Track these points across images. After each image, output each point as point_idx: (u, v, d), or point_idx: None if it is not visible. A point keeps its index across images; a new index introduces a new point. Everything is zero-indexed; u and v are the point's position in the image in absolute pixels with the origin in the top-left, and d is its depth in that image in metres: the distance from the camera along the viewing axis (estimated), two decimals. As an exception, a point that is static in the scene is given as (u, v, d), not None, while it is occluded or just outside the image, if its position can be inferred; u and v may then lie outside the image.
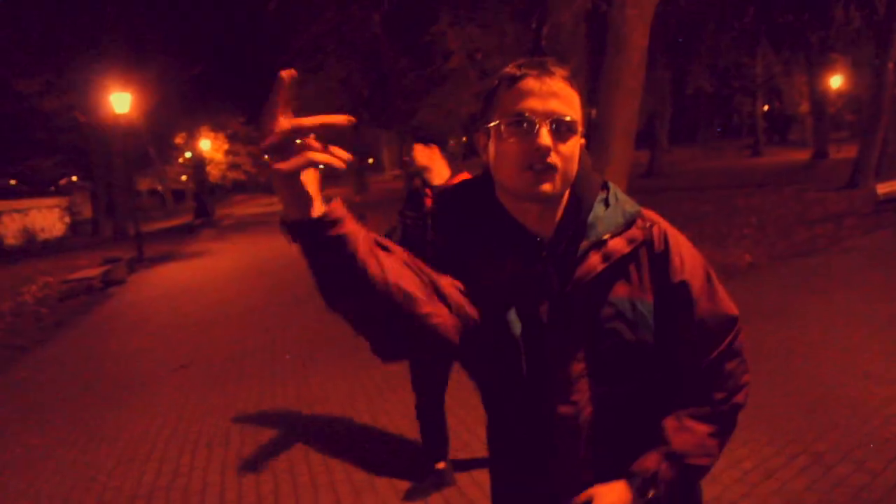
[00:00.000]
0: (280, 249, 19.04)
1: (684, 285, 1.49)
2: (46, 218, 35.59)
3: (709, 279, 1.53)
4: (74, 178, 42.29)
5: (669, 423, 1.49)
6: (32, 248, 30.85)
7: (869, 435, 4.24)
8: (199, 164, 42.61)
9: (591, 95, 8.82)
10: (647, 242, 1.50)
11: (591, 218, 1.47)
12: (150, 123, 33.18)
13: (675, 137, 62.55)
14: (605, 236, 1.44)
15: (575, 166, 1.42)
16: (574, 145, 1.39)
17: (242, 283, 13.83)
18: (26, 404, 7.10)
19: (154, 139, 39.77)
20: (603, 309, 1.44)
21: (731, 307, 1.54)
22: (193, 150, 42.90)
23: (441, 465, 4.22)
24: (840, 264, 9.69)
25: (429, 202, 3.80)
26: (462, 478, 4.23)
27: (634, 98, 8.14)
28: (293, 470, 4.73)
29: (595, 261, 1.43)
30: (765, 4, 24.04)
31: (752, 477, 3.88)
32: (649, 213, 1.55)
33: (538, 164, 1.35)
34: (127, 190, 29.25)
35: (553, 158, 1.36)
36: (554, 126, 1.36)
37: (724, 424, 1.54)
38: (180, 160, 52.69)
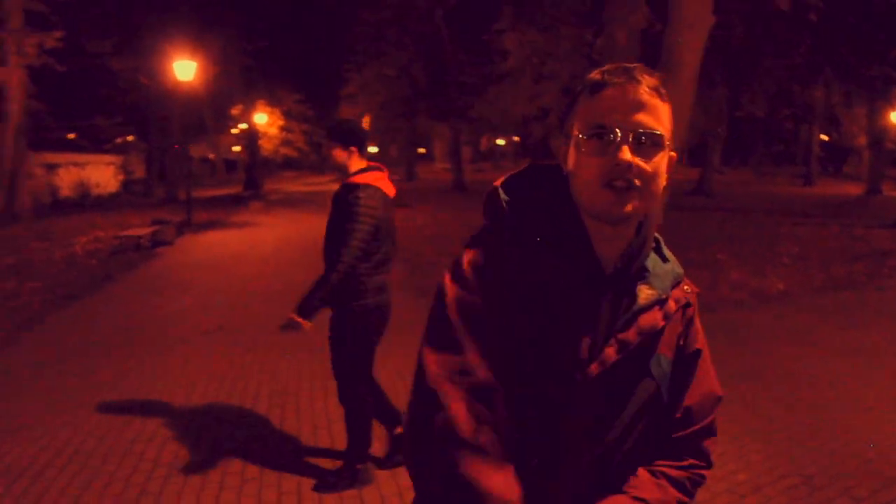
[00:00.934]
0: (322, 229, 19.36)
1: (699, 354, 1.49)
2: (102, 174, 36.44)
3: (708, 352, 1.53)
4: (131, 138, 43.17)
5: (646, 476, 1.42)
6: (86, 201, 31.67)
7: (861, 466, 4.42)
8: (252, 136, 43.22)
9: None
10: (686, 306, 1.47)
11: (650, 265, 1.42)
12: (210, 92, 33.85)
13: (729, 158, 61.98)
14: (664, 295, 1.40)
15: (661, 185, 1.32)
16: (660, 162, 1.30)
17: (283, 257, 14.19)
18: (69, 348, 7.50)
19: (212, 108, 40.57)
20: (641, 360, 1.38)
21: (719, 387, 1.53)
22: (249, 122, 43.51)
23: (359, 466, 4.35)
24: (873, 301, 9.75)
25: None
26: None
27: (682, 116, 8.29)
28: (316, 433, 5.03)
29: (658, 316, 1.38)
30: (821, 37, 23.81)
31: (742, 489, 4.08)
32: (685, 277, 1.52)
33: (618, 182, 1.26)
34: (181, 155, 29.91)
35: (635, 176, 1.26)
36: (638, 140, 1.27)
37: (687, 495, 1.45)
38: (235, 131, 53.54)
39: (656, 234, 1.48)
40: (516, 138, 69.24)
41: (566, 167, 1.38)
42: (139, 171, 40.09)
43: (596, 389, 1.33)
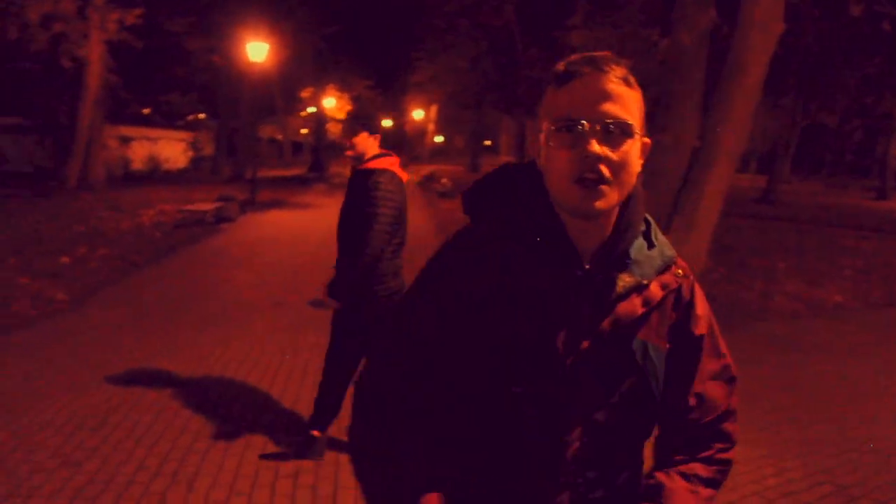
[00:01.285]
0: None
1: (702, 339, 1.43)
2: (172, 149, 37.41)
3: (719, 336, 1.48)
4: (202, 116, 44.11)
5: (681, 484, 1.41)
6: (155, 175, 32.57)
7: (899, 479, 4.40)
8: (320, 120, 43.77)
9: (703, 114, 8.90)
10: (678, 290, 1.42)
11: (634, 251, 1.37)
12: (281, 74, 34.43)
13: (799, 168, 60.42)
14: (645, 280, 1.36)
15: (632, 173, 1.29)
16: (629, 150, 1.26)
17: (341, 240, 14.41)
18: (131, 314, 7.81)
19: (282, 90, 41.21)
20: (620, 349, 1.35)
21: (733, 366, 1.49)
22: (318, 105, 44.09)
23: (316, 433, 4.40)
24: (931, 319, 9.53)
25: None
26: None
27: (744, 123, 8.20)
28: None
29: (636, 303, 1.34)
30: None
31: (772, 493, 4.11)
32: (680, 260, 1.46)
33: (588, 174, 1.23)
34: (249, 135, 30.50)
35: (604, 167, 1.23)
36: (605, 130, 1.24)
37: (718, 487, 1.46)
38: (303, 114, 54.24)
39: (648, 217, 1.45)
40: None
41: (539, 162, 1.37)
42: (208, 149, 40.94)
43: (577, 381, 1.32)
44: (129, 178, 29.34)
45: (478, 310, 1.35)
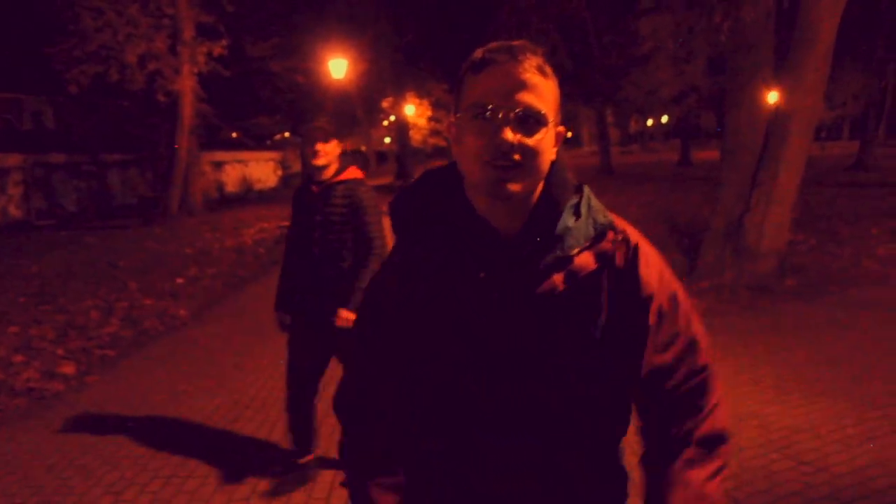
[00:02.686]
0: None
1: (649, 300, 1.35)
2: (263, 169, 38.87)
3: (677, 297, 1.40)
4: (287, 135, 45.48)
5: (669, 478, 1.35)
6: (249, 196, 33.94)
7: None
8: (402, 127, 44.61)
9: (776, 85, 9.01)
10: (613, 257, 1.35)
11: (560, 227, 1.32)
12: (360, 87, 35.34)
13: None
14: (573, 251, 1.31)
15: (545, 160, 1.29)
16: (543, 138, 1.26)
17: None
18: (244, 328, 8.47)
19: (363, 102, 42.16)
20: (558, 328, 1.30)
21: (699, 329, 1.43)
22: (398, 114, 44.92)
23: (308, 459, 4.34)
24: None
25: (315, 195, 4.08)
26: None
27: (817, 92, 8.30)
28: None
29: (557, 279, 1.29)
30: None
31: (854, 440, 4.38)
32: (621, 223, 1.40)
33: (500, 161, 1.24)
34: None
35: (517, 155, 1.24)
36: (518, 118, 1.24)
37: (715, 460, 1.38)
38: (385, 123, 55.21)
39: (585, 189, 1.40)
40: (664, 119, 67.87)
41: (453, 149, 1.37)
42: (296, 166, 42.25)
43: (519, 376, 1.31)
44: (225, 201, 30.64)
45: (411, 318, 1.38)
